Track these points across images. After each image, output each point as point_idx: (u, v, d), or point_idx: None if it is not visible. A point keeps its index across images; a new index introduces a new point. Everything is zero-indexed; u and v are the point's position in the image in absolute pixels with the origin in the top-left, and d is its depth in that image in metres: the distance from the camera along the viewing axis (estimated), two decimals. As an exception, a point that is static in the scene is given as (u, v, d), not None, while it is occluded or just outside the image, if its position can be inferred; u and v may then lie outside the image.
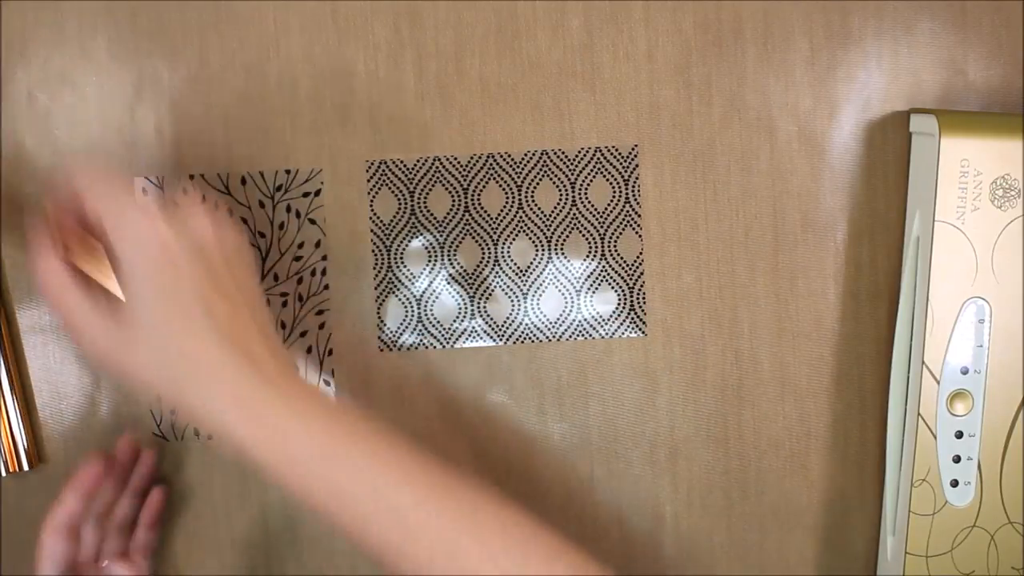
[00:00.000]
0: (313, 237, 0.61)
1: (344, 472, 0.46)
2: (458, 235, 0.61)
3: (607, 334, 0.61)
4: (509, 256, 0.61)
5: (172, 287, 0.46)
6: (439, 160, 0.60)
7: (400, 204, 0.61)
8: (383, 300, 0.61)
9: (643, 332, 0.61)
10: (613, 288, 0.61)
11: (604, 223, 0.60)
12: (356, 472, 0.46)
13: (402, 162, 0.60)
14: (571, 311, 0.61)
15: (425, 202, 0.61)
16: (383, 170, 0.61)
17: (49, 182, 0.53)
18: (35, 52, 0.61)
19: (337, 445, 0.46)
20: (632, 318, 0.61)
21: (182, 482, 0.62)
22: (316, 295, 0.61)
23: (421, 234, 0.61)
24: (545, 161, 0.60)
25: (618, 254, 0.60)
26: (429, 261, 0.61)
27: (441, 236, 0.61)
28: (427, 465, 0.47)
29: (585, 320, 0.61)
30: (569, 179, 0.60)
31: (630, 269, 0.61)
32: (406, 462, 0.47)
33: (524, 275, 0.61)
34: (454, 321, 0.61)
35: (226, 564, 0.62)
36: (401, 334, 0.61)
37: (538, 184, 0.60)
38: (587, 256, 0.61)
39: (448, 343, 0.61)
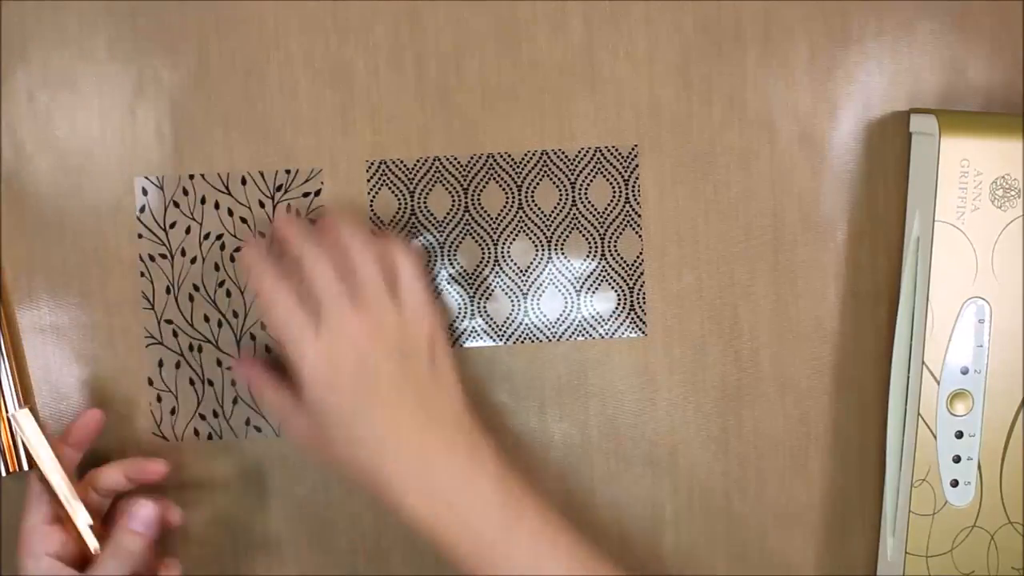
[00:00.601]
0: None
1: (520, 555, 0.52)
2: (458, 235, 0.61)
3: (607, 334, 0.61)
4: (509, 256, 0.61)
5: (370, 380, 0.52)
6: (439, 160, 0.60)
7: (400, 204, 0.61)
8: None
9: (643, 332, 0.61)
10: (613, 288, 0.61)
11: (604, 223, 0.60)
12: (533, 559, 0.52)
13: (402, 162, 0.60)
14: (571, 311, 0.61)
15: (425, 202, 0.61)
16: (383, 170, 0.61)
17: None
18: (35, 52, 0.61)
19: (516, 530, 0.52)
20: (632, 318, 0.61)
21: (182, 482, 0.62)
22: None
23: (421, 234, 0.61)
24: (545, 161, 0.60)
25: (618, 254, 0.60)
26: (429, 261, 0.61)
27: (441, 236, 0.61)
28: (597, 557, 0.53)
29: (585, 320, 0.61)
30: (569, 179, 0.60)
31: (630, 269, 0.61)
32: (576, 550, 0.53)
33: (524, 275, 0.61)
34: (454, 321, 0.61)
35: (225, 564, 0.62)
36: (401, 334, 0.61)
37: (538, 184, 0.60)
38: (587, 256, 0.61)
39: (448, 343, 0.61)
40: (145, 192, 0.61)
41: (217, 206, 0.61)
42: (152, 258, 0.61)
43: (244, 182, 0.61)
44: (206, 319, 0.61)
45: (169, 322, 0.61)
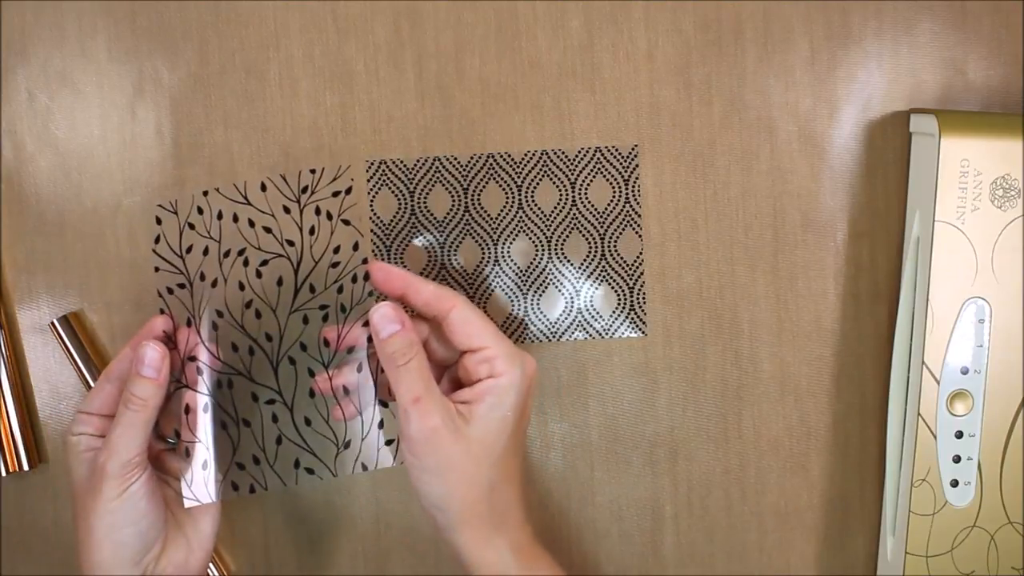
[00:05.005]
0: (350, 239, 0.54)
1: None
2: (458, 235, 0.61)
3: (607, 334, 0.61)
4: (509, 256, 0.61)
5: (520, 425, 0.54)
6: (439, 160, 0.60)
7: (400, 204, 0.61)
8: (383, 300, 0.61)
9: (643, 332, 0.61)
10: (613, 288, 0.61)
11: (604, 223, 0.60)
12: None
13: (402, 162, 0.60)
14: (571, 311, 0.61)
15: (425, 202, 0.61)
16: (383, 170, 0.61)
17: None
18: (35, 52, 0.61)
19: None
20: (632, 318, 0.61)
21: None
22: (360, 304, 0.54)
23: (421, 234, 0.61)
24: (545, 161, 0.60)
25: (618, 254, 0.60)
26: (429, 261, 0.61)
27: (441, 236, 0.61)
28: None
29: (585, 320, 0.61)
30: (569, 179, 0.60)
31: (630, 269, 0.61)
32: None
33: (524, 275, 0.61)
34: (454, 321, 0.61)
35: (226, 564, 0.62)
36: (401, 334, 0.61)
37: (538, 184, 0.60)
38: (587, 256, 0.61)
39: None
40: (159, 221, 0.55)
41: (236, 219, 0.55)
42: (171, 291, 0.55)
43: (264, 188, 0.54)
44: (235, 348, 0.55)
45: (192, 359, 0.54)
